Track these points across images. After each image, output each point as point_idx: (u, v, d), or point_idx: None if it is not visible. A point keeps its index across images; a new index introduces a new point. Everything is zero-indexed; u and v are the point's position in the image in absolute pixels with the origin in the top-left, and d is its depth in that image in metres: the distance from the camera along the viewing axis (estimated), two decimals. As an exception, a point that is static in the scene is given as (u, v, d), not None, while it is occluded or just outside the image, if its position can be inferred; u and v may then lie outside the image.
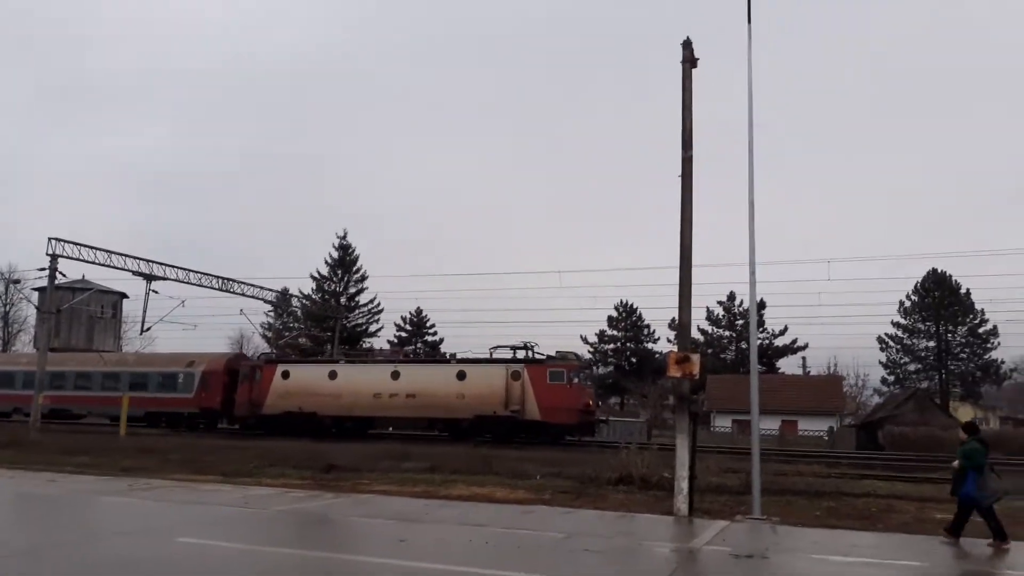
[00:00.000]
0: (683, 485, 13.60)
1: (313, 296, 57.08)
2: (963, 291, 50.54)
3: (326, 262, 59.38)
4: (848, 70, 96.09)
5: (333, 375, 35.90)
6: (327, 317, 54.54)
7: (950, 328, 50.91)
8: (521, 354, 33.71)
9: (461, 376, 33.81)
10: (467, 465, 20.10)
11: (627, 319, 60.31)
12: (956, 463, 11.56)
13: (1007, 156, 79.89)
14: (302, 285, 56.88)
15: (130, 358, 43.72)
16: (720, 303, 56.56)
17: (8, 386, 42.11)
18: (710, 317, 57.50)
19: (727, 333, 57.25)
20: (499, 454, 22.80)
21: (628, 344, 59.58)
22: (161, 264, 37.39)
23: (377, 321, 60.15)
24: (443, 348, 56.90)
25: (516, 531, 11.05)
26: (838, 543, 11.00)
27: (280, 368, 36.83)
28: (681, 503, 13.50)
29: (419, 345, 59.78)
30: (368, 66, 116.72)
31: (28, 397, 35.12)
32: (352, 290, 59.66)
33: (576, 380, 33.36)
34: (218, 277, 40.39)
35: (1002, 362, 51.98)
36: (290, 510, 12.98)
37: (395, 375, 34.94)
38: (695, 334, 55.18)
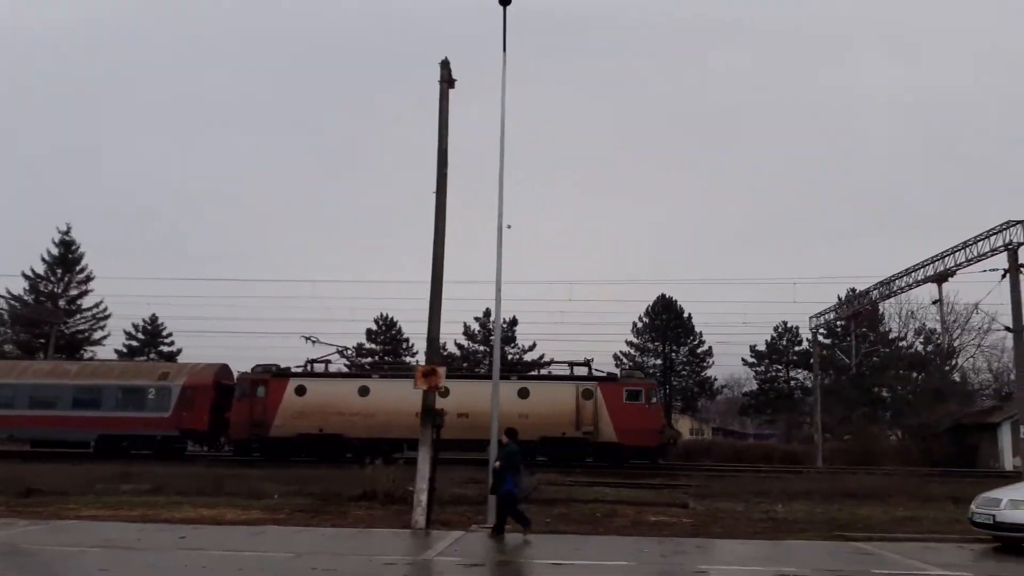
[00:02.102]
0: (422, 498, 13.64)
1: (25, 297, 50.16)
2: (686, 315, 56.83)
3: (43, 259, 52.50)
4: (599, 111, 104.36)
5: (364, 391, 31.05)
6: (41, 322, 48.18)
7: (674, 348, 56.87)
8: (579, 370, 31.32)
9: (524, 394, 30.82)
10: (197, 486, 18.67)
11: (386, 332, 59.92)
12: (498, 463, 12.93)
13: (731, 198, 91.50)
14: (12, 284, 49.81)
15: (71, 368, 34.27)
16: (476, 319, 58.10)
17: None
18: (467, 332, 58.83)
19: (482, 348, 58.86)
20: (236, 473, 21.47)
21: (387, 358, 59.13)
22: None
23: (103, 328, 54.16)
24: (180, 359, 52.56)
25: (241, 553, 10.35)
26: (562, 548, 11.63)
27: (293, 382, 31.32)
28: (419, 516, 13.52)
29: (152, 355, 54.72)
30: (117, 57, 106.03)
31: None
32: (74, 292, 53.24)
33: (654, 400, 31.62)
34: None
35: (715, 379, 59.29)
36: (-32, 543, 11.11)
37: (444, 392, 31.24)
38: (452, 349, 56.33)
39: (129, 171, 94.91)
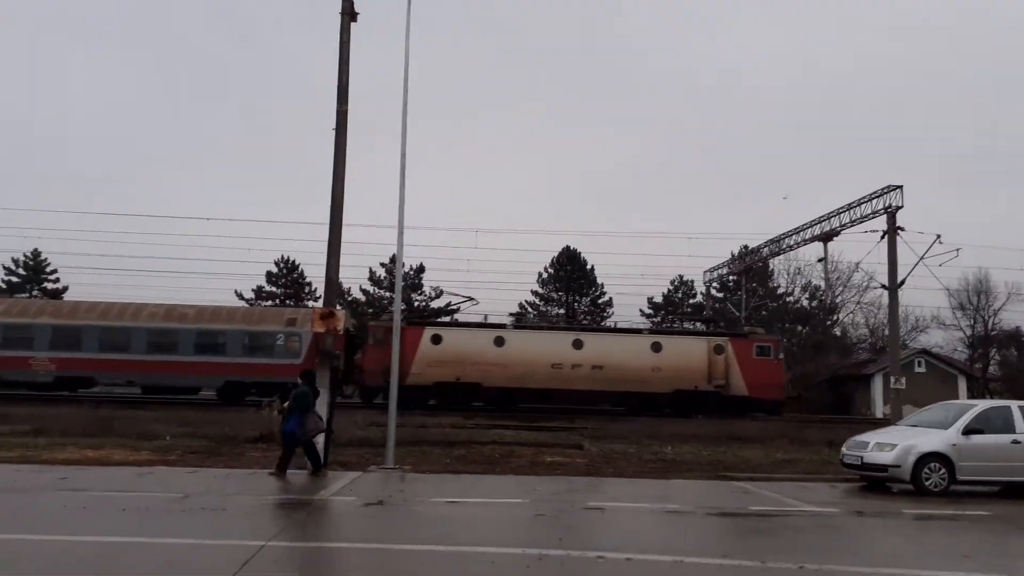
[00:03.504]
0: (319, 439, 13.50)
1: None
2: (588, 267, 57.89)
3: (-91, 187, 48.41)
4: (515, 64, 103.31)
5: (500, 341, 31.20)
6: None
7: (577, 298, 57.97)
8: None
9: (656, 348, 31.55)
10: (83, 427, 17.89)
11: (288, 275, 58.34)
12: (286, 404, 13.18)
13: (628, 153, 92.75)
14: None
15: (189, 311, 31.46)
16: (383, 264, 57.27)
17: (24, 344, 29.37)
18: (373, 278, 58.01)
19: (387, 294, 58.32)
20: (125, 414, 20.65)
21: (288, 302, 57.79)
22: None
23: (-23, 262, 50.61)
24: (68, 296, 49.73)
25: (125, 494, 10.01)
26: (459, 487, 11.81)
27: (429, 331, 31.11)
28: (316, 457, 13.39)
29: (36, 292, 51.55)
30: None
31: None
32: (-57, 223, 49.41)
33: (781, 355, 32.43)
34: None
35: (614, 329, 60.90)
36: None
37: (577, 344, 31.35)
38: (357, 294, 55.51)
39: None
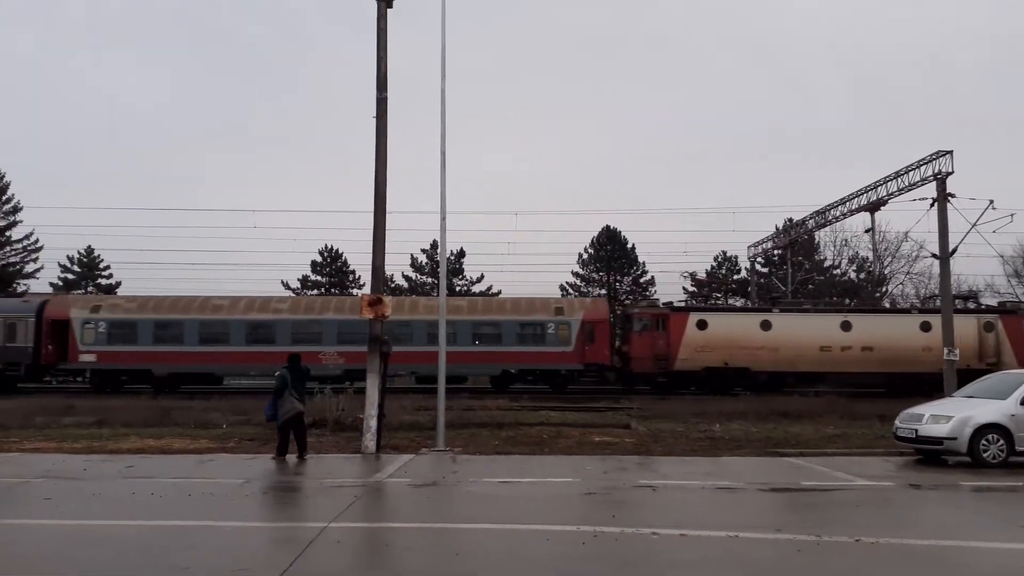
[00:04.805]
0: (371, 424, 13.81)
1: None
2: (629, 246, 57.43)
3: (-34, 190, 50.04)
4: (547, 42, 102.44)
5: (767, 325, 31.61)
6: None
7: (618, 278, 57.63)
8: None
9: (926, 327, 31.39)
10: (143, 417, 18.53)
11: (332, 264, 59.12)
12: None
13: (668, 129, 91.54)
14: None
15: (463, 304, 33.29)
16: (424, 251, 57.70)
17: (314, 340, 31.38)
18: (414, 264, 58.46)
19: (431, 280, 58.80)
20: (182, 404, 21.30)
21: (333, 291, 58.64)
22: None
23: (35, 260, 52.32)
24: (120, 291, 51.22)
25: (189, 480, 10.38)
26: (509, 467, 11.98)
27: (694, 317, 32.07)
28: (369, 441, 13.70)
29: (91, 288, 53.13)
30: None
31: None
32: (1, 223, 51.01)
33: None
34: None
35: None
36: (-96, 477, 10.87)
37: (846, 325, 31.57)
38: (400, 281, 56.07)
39: (49, 96, 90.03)
